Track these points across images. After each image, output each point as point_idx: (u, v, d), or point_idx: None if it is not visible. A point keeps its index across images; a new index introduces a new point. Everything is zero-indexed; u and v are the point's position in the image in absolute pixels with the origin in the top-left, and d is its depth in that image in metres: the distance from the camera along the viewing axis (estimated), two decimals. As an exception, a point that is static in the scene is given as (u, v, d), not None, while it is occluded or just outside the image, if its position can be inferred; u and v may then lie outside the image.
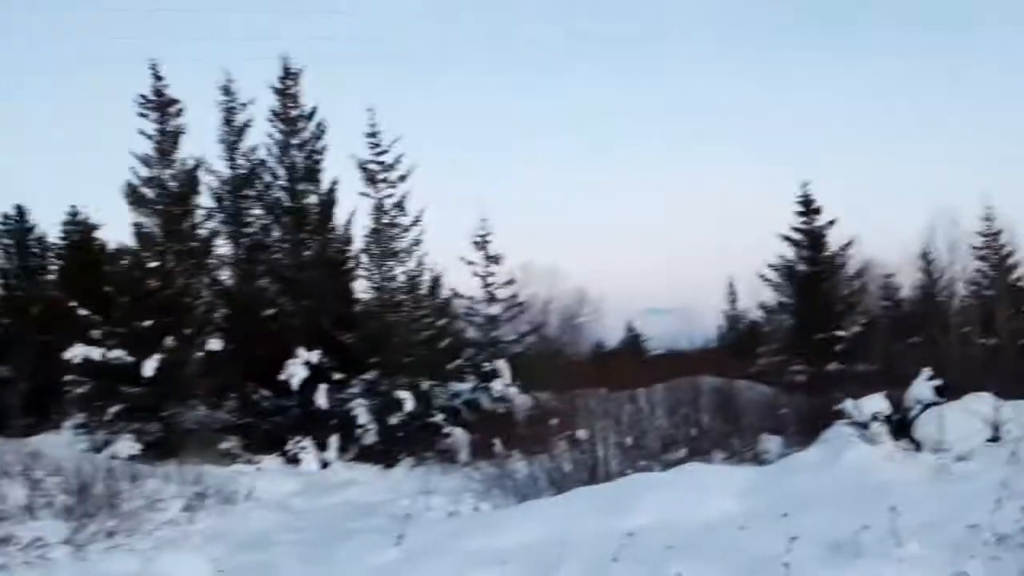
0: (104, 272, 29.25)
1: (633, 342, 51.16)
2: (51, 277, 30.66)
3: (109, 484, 14.01)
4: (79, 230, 30.62)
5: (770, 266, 30.89)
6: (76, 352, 20.54)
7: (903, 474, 6.86)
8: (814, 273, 29.94)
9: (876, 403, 9.86)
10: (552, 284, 35.98)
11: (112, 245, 26.65)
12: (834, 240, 30.06)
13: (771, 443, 13.64)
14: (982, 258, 33.19)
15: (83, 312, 21.62)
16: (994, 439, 8.97)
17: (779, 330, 32.39)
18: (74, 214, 30.70)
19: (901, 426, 9.46)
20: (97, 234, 30.78)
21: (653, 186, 72.23)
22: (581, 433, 15.38)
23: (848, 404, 10.21)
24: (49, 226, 31.46)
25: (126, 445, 20.01)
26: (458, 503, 12.81)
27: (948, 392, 9.92)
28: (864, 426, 9.27)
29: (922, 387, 10.06)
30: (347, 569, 6.82)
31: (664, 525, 6.53)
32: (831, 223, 29.99)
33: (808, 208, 30.18)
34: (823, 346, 28.08)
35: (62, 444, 20.92)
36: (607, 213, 67.90)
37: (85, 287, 26.77)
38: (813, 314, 29.03)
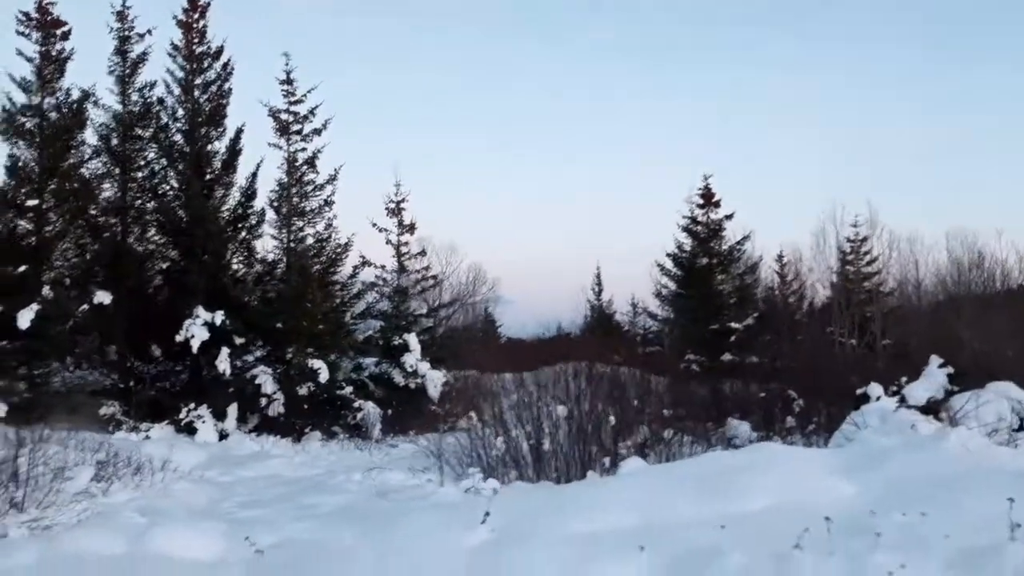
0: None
1: (489, 327, 50.44)
2: None
3: (-2, 449, 12.01)
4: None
5: (668, 255, 31.24)
6: (-68, 296, 17.73)
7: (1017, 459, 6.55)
8: (709, 264, 30.47)
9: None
10: (450, 261, 34.85)
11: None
12: (731, 233, 30.73)
13: (741, 428, 13.38)
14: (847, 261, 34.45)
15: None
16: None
17: (670, 320, 32.88)
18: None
19: (927, 409, 9.32)
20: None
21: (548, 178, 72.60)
22: (493, 412, 14.64)
23: (873, 388, 10.02)
24: None
25: (-10, 406, 17.49)
26: (417, 479, 11.76)
27: (957, 380, 9.94)
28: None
29: (936, 374, 10.00)
30: (426, 554, 5.76)
31: (790, 507, 5.88)
32: (729, 216, 30.60)
33: (708, 200, 30.65)
34: (717, 337, 28.60)
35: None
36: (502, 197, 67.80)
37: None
38: (707, 305, 29.53)
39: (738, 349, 28.11)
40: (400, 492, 10.21)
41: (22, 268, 18.75)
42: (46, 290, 18.50)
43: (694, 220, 30.88)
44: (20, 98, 19.96)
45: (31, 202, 19.16)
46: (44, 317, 17.90)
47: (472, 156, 73.02)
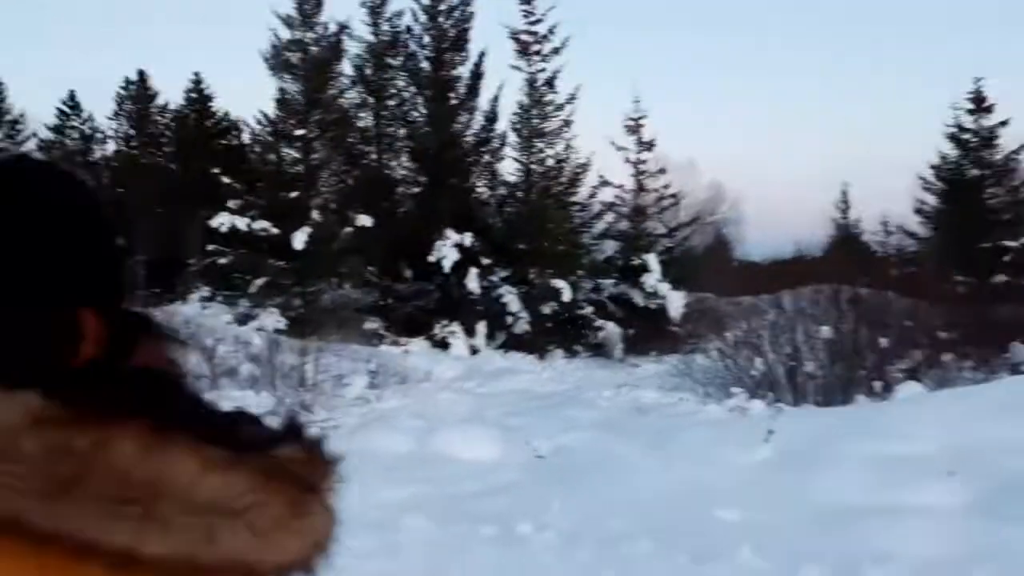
0: (230, 144, 28.59)
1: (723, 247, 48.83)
2: (168, 149, 29.94)
3: (283, 358, 13.28)
4: (203, 98, 29.80)
5: (931, 167, 28.54)
6: (221, 221, 19.73)
7: None
8: (980, 176, 27.50)
9: None
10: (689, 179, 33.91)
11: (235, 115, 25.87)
12: (1005, 142, 27.47)
13: (1026, 353, 12.13)
14: None
15: (226, 181, 20.77)
16: None
17: (930, 240, 30.22)
18: (197, 82, 29.81)
19: None
20: (218, 103, 30.14)
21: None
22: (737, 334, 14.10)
23: None
24: (172, 93, 30.68)
25: (272, 319, 19.36)
26: (670, 397, 11.67)
27: None
28: None
29: None
30: (707, 468, 5.65)
31: None
32: (1004, 123, 27.31)
33: (979, 106, 27.50)
34: (988, 257, 25.93)
35: (192, 316, 20.49)
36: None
37: (211, 156, 26.11)
38: (975, 222, 26.78)
39: (1013, 270, 25.38)
40: (656, 409, 10.17)
41: (294, 194, 20.41)
42: (315, 214, 20.04)
43: (961, 128, 27.88)
44: (285, 34, 21.42)
45: (298, 132, 20.66)
46: (314, 239, 19.44)
47: (710, 66, 69.87)
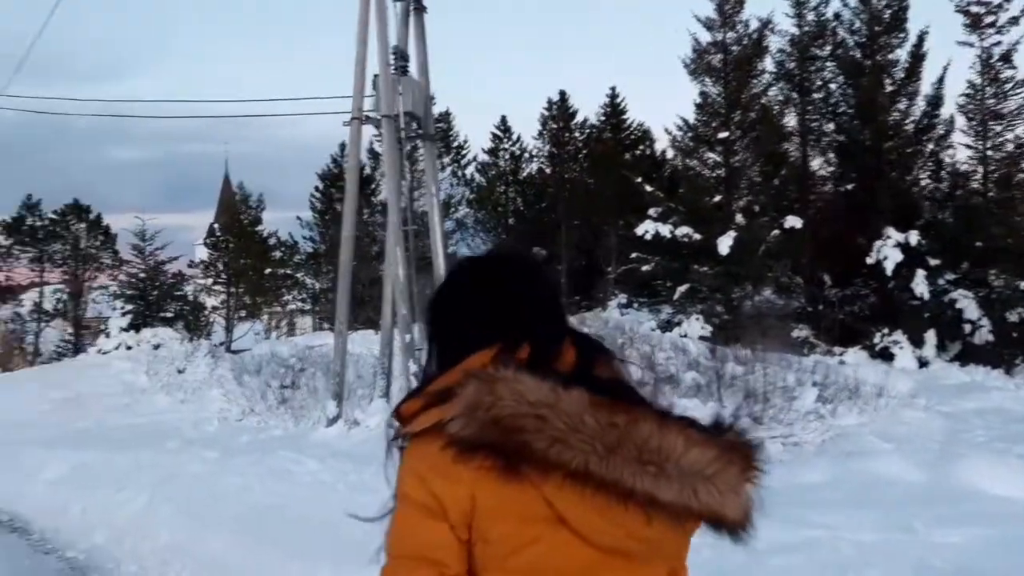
0: (643, 152, 29.15)
1: None
2: (584, 163, 31.26)
3: (724, 366, 12.81)
4: (617, 111, 30.81)
5: None
6: (645, 228, 19.95)
7: None
8: None
9: None
10: None
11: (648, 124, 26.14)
12: None
13: None
14: None
15: (648, 189, 21.02)
16: None
17: None
18: (613, 96, 30.92)
19: None
20: (632, 114, 30.93)
21: None
22: None
23: None
24: (590, 109, 32.13)
25: (696, 326, 19.12)
26: None
27: None
28: None
29: None
30: None
31: None
32: None
33: None
34: None
35: (620, 322, 20.89)
36: None
37: (626, 166, 26.76)
38: None
39: None
40: None
41: (716, 198, 20.02)
42: (739, 217, 19.45)
43: None
44: (705, 36, 21.16)
45: (721, 135, 20.23)
46: (739, 243, 18.84)
47: None
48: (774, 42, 21.30)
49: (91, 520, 6.24)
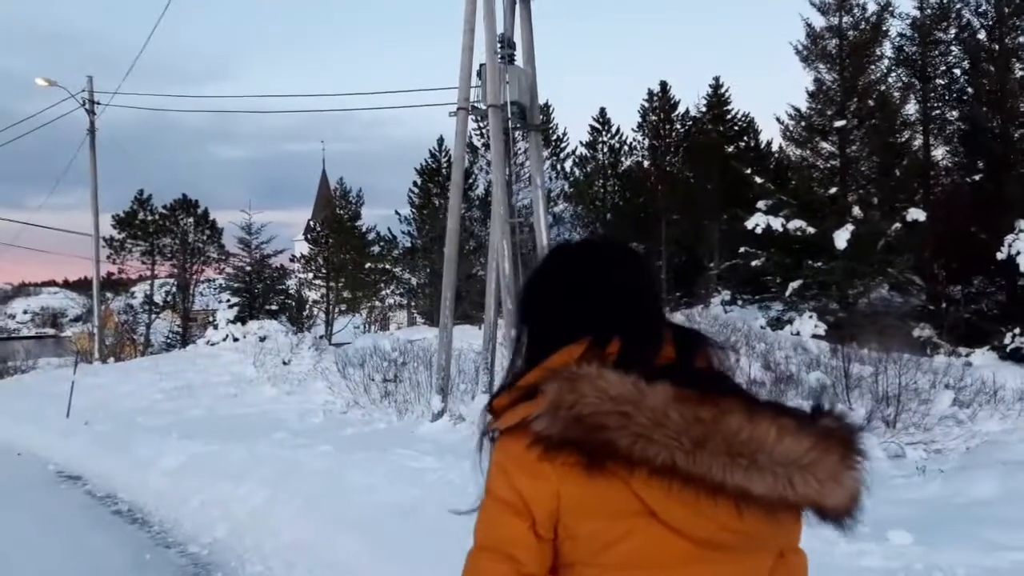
0: (747, 144, 28.20)
1: None
2: (685, 155, 30.43)
3: (854, 367, 12.07)
4: (720, 101, 29.90)
5: None
6: (756, 221, 19.19)
7: None
8: None
9: None
10: None
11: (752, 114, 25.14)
12: None
13: None
14: None
15: (758, 181, 20.21)
16: None
17: None
18: (716, 86, 30.02)
19: None
20: (735, 104, 29.97)
21: None
22: None
23: None
24: (691, 99, 31.25)
25: (810, 324, 18.28)
26: None
27: None
28: None
29: None
30: None
31: None
32: None
33: None
34: None
35: (729, 319, 20.15)
36: None
37: (729, 158, 25.90)
38: None
39: None
40: None
41: (832, 190, 19.09)
42: (856, 210, 18.49)
43: None
44: (819, 21, 20.23)
45: (837, 123, 19.27)
46: (857, 237, 17.91)
47: None
48: (894, 26, 20.29)
49: (211, 513, 6.13)
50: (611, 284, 1.25)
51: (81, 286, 58.69)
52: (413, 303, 34.40)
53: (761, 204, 19.96)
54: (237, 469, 6.76)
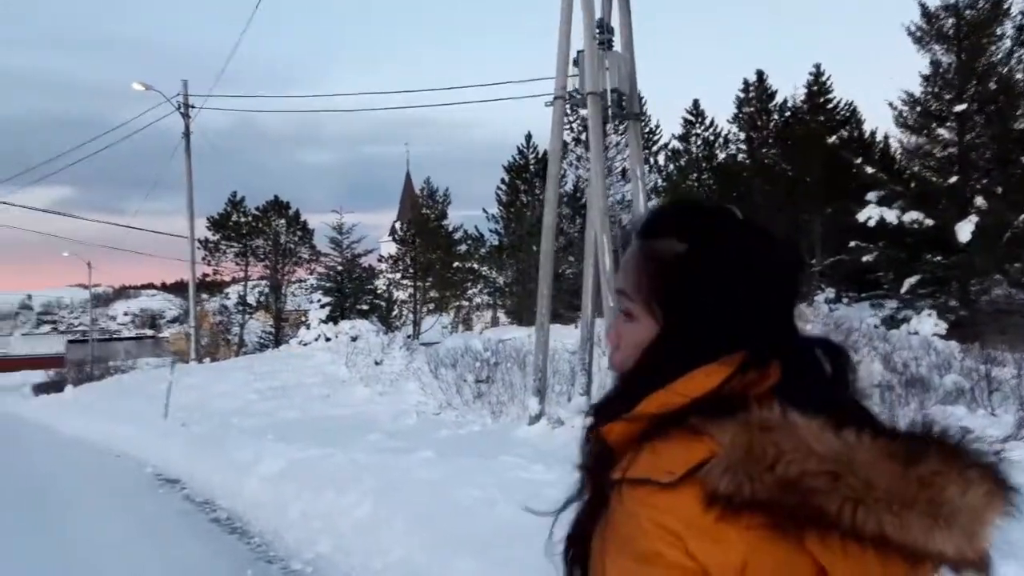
0: (851, 134, 26.88)
1: None
2: (784, 147, 29.19)
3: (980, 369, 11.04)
4: (822, 91, 28.58)
5: None
6: (868, 214, 18.07)
7: None
8: None
9: None
10: None
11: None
12: None
13: None
14: None
15: (869, 170, 19.05)
16: None
17: None
18: (817, 75, 28.68)
19: None
20: (837, 92, 28.64)
21: None
22: None
23: None
24: (789, 90, 30.03)
25: (929, 322, 17.07)
26: None
27: None
28: None
29: None
30: None
31: None
32: None
33: None
34: None
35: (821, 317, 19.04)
36: None
37: (831, 148, 24.69)
38: None
39: None
40: None
41: (951, 180, 17.84)
42: (979, 200, 17.21)
43: None
44: (934, 0, 18.95)
45: (956, 108, 17.99)
46: (981, 229, 16.66)
47: None
48: (1016, 3, 18.77)
49: (313, 526, 5.73)
50: (793, 290, 0.99)
51: (178, 288, 60.54)
52: (500, 302, 34.06)
53: (872, 196, 18.79)
54: (338, 477, 6.35)
